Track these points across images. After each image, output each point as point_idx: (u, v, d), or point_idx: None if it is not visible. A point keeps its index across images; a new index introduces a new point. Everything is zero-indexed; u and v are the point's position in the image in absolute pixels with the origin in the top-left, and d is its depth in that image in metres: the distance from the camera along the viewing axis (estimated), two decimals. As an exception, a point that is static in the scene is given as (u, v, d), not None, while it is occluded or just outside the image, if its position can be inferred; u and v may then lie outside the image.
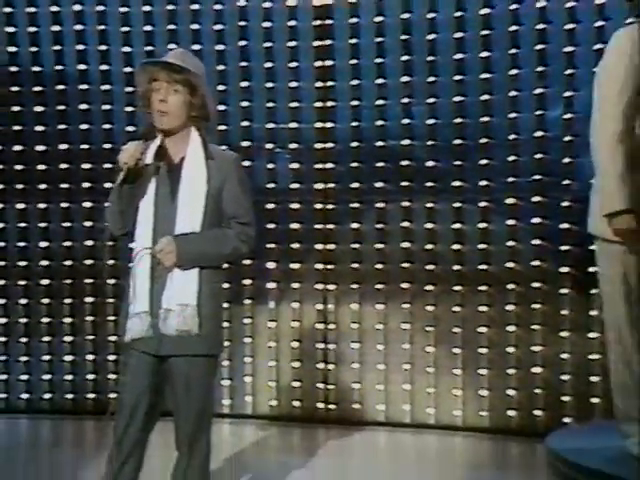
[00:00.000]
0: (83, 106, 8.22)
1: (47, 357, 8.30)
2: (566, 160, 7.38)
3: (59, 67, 8.26)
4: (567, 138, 7.36)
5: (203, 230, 4.66)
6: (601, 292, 5.19)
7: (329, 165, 7.91)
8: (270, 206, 7.93)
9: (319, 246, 7.93)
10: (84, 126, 8.23)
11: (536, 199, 7.46)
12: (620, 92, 4.82)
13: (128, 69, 7.94)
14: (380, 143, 7.80)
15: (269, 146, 8.02)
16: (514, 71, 7.45)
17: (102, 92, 8.19)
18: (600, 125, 4.91)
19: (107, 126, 8.18)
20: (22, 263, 8.34)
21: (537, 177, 7.46)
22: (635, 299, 4.77)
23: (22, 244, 8.34)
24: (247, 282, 7.97)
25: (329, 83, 7.88)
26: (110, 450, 4.70)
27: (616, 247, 4.92)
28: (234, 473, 6.38)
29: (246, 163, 7.71)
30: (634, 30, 4.90)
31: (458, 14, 7.56)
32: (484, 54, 7.51)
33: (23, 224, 8.33)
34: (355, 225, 7.85)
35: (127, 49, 8.11)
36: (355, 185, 7.85)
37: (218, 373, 5.15)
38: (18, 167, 8.31)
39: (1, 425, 8.17)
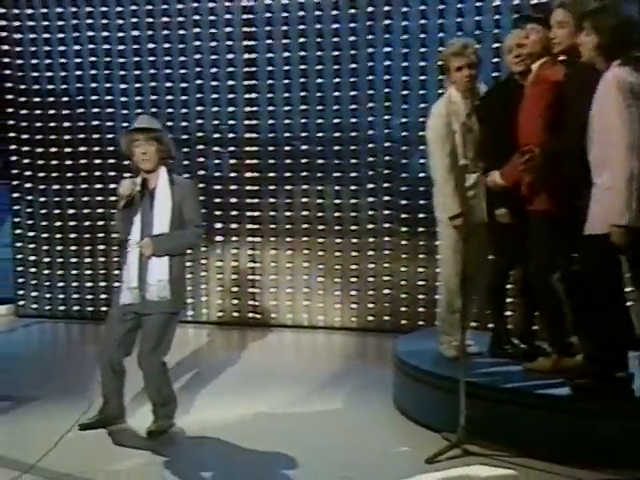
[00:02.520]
0: (95, 122, 7.86)
1: (75, 283, 8.10)
2: (404, 161, 7.30)
3: (80, 97, 7.88)
4: (404, 148, 7.27)
5: (171, 231, 4.66)
6: (440, 251, 5.15)
7: (255, 161, 7.66)
8: (217, 187, 7.69)
9: (249, 213, 7.71)
10: (96, 135, 7.89)
11: (386, 185, 7.36)
12: (443, 147, 4.83)
13: (124, 99, 7.70)
14: (287, 148, 7.56)
15: (216, 148, 7.72)
16: (370, 104, 7.30)
17: (107, 113, 7.85)
18: (436, 162, 4.90)
19: (110, 136, 7.80)
20: (58, 223, 8.08)
21: (386, 171, 7.34)
22: (460, 258, 4.65)
23: (57, 211, 8.05)
24: (202, 237, 7.64)
25: (254, 108, 7.59)
26: (102, 368, 4.74)
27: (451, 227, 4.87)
28: (194, 363, 6.26)
29: (200, 159, 7.68)
30: (447, 101, 4.87)
31: (336, 53, 7.31)
32: (353, 99, 7.32)
33: (57, 198, 8.06)
34: (272, 200, 7.65)
35: (124, 86, 7.77)
36: (272, 174, 7.63)
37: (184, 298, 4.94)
38: (54, 162, 8.01)
39: (46, 327, 7.97)
